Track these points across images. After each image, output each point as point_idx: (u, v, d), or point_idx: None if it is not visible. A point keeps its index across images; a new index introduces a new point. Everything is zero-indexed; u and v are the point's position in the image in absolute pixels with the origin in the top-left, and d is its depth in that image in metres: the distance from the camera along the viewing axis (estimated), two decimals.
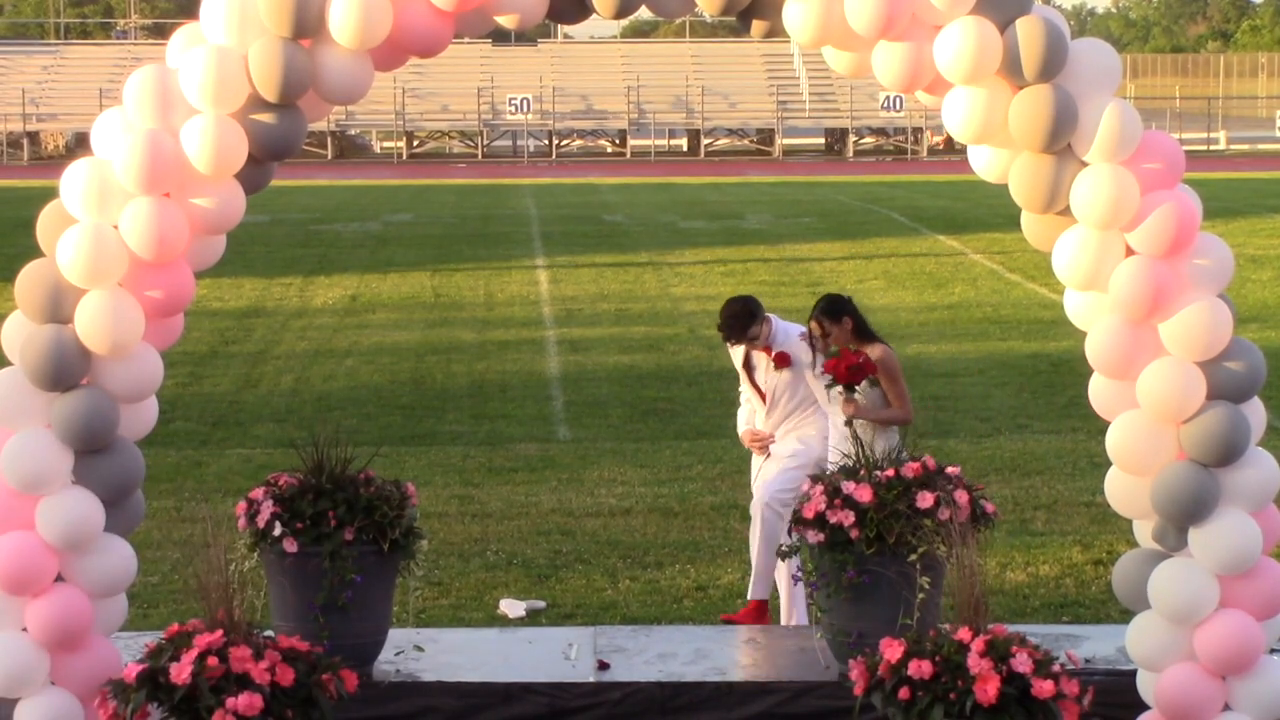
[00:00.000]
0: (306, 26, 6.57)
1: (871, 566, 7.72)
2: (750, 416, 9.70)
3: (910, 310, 22.02)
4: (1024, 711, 6.56)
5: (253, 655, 6.66)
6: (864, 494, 7.76)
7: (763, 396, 9.61)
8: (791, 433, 9.56)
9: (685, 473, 13.41)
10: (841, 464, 8.33)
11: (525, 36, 60.84)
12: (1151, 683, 6.93)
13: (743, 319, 9.50)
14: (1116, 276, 6.65)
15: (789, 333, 9.62)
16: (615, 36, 77.49)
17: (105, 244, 6.62)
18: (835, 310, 9.34)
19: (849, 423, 9.07)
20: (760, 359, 9.58)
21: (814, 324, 9.36)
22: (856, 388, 9.03)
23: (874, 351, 9.10)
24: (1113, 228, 6.65)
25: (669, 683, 8.00)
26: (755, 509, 9.42)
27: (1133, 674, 7.10)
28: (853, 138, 58.73)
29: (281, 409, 16.03)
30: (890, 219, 34.32)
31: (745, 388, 9.72)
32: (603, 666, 8.15)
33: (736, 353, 9.69)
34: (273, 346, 19.68)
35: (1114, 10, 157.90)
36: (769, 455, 9.57)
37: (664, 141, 61.72)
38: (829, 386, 9.11)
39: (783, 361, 9.52)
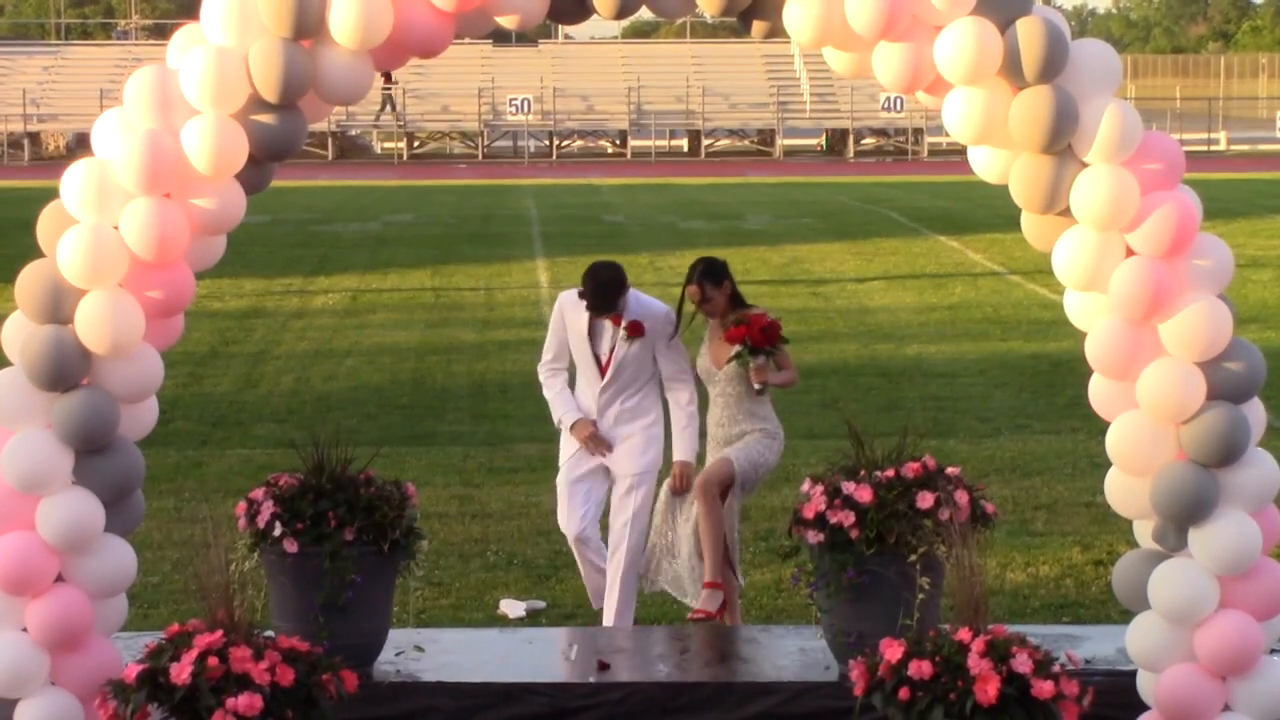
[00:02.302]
0: (307, 27, 6.57)
1: (871, 567, 7.71)
2: (583, 401, 9.26)
3: (910, 310, 22.02)
4: (1024, 712, 6.56)
5: (253, 655, 6.66)
6: (864, 494, 7.74)
7: (601, 369, 9.22)
8: (624, 424, 9.20)
9: None
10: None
11: (526, 37, 60.81)
12: (1151, 683, 6.93)
13: (615, 287, 9.07)
14: (1116, 277, 6.65)
15: (642, 303, 9.26)
16: (616, 37, 77.58)
17: (105, 244, 6.63)
18: (718, 274, 9.12)
19: (761, 391, 8.98)
20: (606, 327, 9.20)
21: (694, 289, 9.10)
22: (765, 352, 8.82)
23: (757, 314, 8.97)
24: (1113, 228, 6.65)
25: (669, 683, 7.99)
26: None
27: (1133, 674, 7.10)
28: (853, 138, 58.72)
29: (282, 409, 16.03)
30: (890, 219, 34.32)
31: (583, 360, 9.23)
32: (603, 667, 8.14)
33: (575, 321, 9.23)
34: (273, 347, 19.69)
35: (1114, 11, 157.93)
36: (599, 455, 9.24)
37: (664, 142, 61.68)
38: (742, 357, 8.83)
39: (636, 330, 9.12)
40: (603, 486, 9.36)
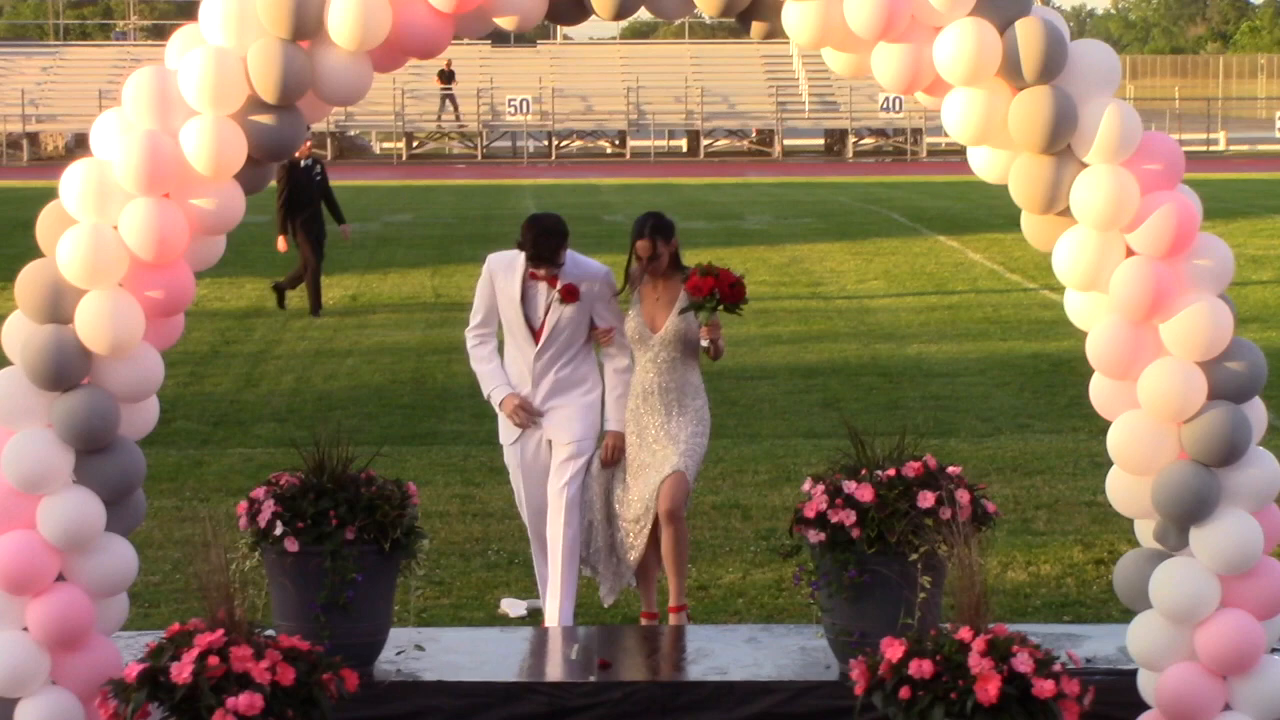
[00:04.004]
0: (305, 27, 6.57)
1: (873, 566, 7.71)
2: (515, 369, 9.02)
3: (910, 310, 22.02)
4: (1025, 711, 6.55)
5: (253, 655, 6.66)
6: (865, 493, 7.74)
7: (535, 334, 8.96)
8: (559, 395, 8.97)
9: None
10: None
11: (525, 38, 60.85)
12: (1152, 682, 6.93)
13: (558, 236, 8.70)
14: (1117, 277, 6.65)
15: (580, 264, 8.94)
16: (615, 37, 77.59)
17: (105, 244, 6.62)
18: (668, 229, 8.98)
19: (708, 350, 8.90)
20: (540, 291, 8.92)
21: (645, 243, 8.91)
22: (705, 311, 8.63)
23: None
24: (1113, 228, 6.65)
25: (669, 682, 7.99)
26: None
27: (1133, 674, 7.10)
28: (852, 138, 58.74)
29: (282, 409, 16.03)
30: (890, 219, 34.33)
31: (515, 325, 8.94)
32: (603, 666, 8.14)
33: (506, 285, 8.94)
34: (273, 346, 19.69)
35: (1113, 11, 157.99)
36: (529, 426, 9.00)
37: (663, 142, 61.72)
38: (703, 309, 8.63)
39: (571, 295, 8.80)
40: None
